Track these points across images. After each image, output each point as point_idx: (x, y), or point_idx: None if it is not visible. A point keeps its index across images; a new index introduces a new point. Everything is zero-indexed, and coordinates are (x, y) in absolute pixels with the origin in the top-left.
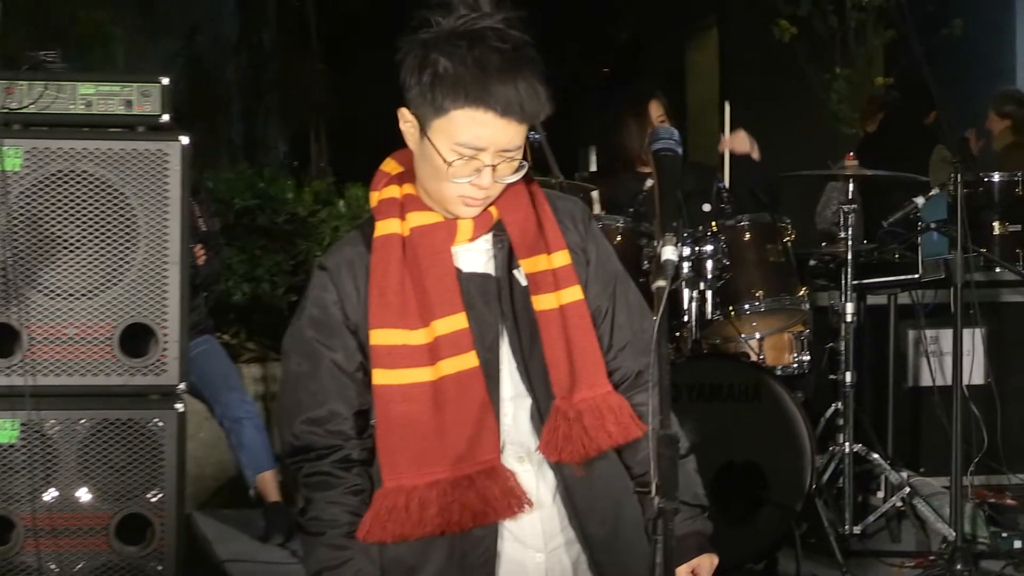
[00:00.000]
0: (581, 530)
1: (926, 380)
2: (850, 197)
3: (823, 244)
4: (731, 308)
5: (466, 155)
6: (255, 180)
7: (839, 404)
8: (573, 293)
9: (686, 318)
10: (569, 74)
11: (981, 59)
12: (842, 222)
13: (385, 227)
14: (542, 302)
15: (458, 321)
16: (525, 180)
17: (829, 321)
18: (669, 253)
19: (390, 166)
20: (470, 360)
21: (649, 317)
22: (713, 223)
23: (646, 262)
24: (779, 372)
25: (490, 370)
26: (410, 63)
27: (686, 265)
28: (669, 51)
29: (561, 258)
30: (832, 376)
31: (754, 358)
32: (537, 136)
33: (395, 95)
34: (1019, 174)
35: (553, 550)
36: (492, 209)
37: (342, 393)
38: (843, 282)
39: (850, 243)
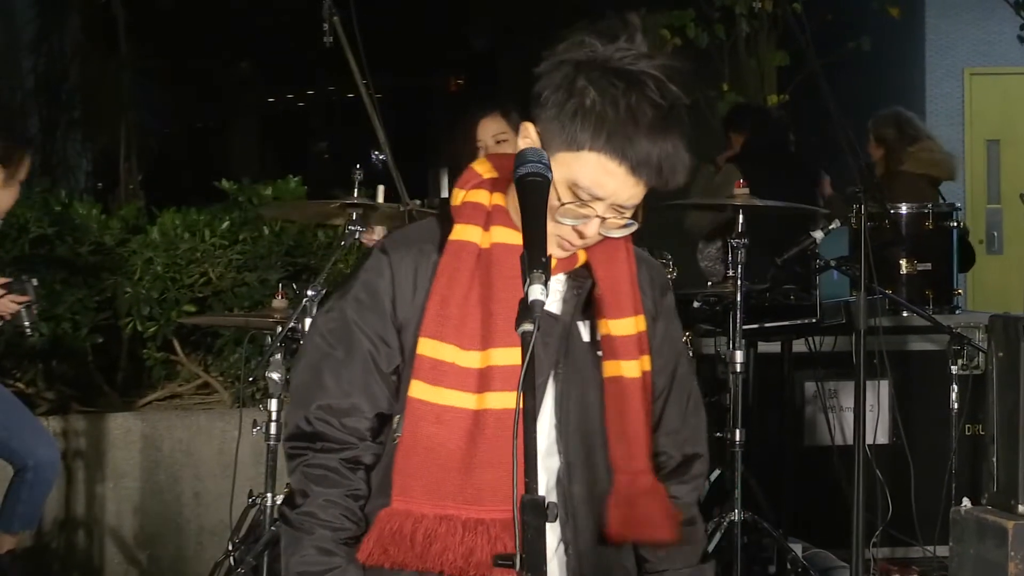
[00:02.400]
0: None
1: (824, 439)
2: (740, 230)
3: (708, 283)
4: None
5: (581, 198)
6: (52, 203)
7: (726, 466)
8: (648, 363)
9: None
10: (418, 86)
11: (890, 76)
12: (731, 258)
13: (464, 232)
14: (625, 368)
15: (518, 355)
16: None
17: (715, 371)
18: (537, 293)
19: (484, 167)
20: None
21: (703, 412)
22: None
23: None
24: None
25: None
26: (555, 80)
27: None
28: (532, 60)
29: (642, 323)
30: (718, 434)
31: None
32: (382, 157)
33: (222, 107)
34: (929, 206)
35: None
36: (580, 251)
37: (370, 390)
38: (731, 327)
39: (739, 282)
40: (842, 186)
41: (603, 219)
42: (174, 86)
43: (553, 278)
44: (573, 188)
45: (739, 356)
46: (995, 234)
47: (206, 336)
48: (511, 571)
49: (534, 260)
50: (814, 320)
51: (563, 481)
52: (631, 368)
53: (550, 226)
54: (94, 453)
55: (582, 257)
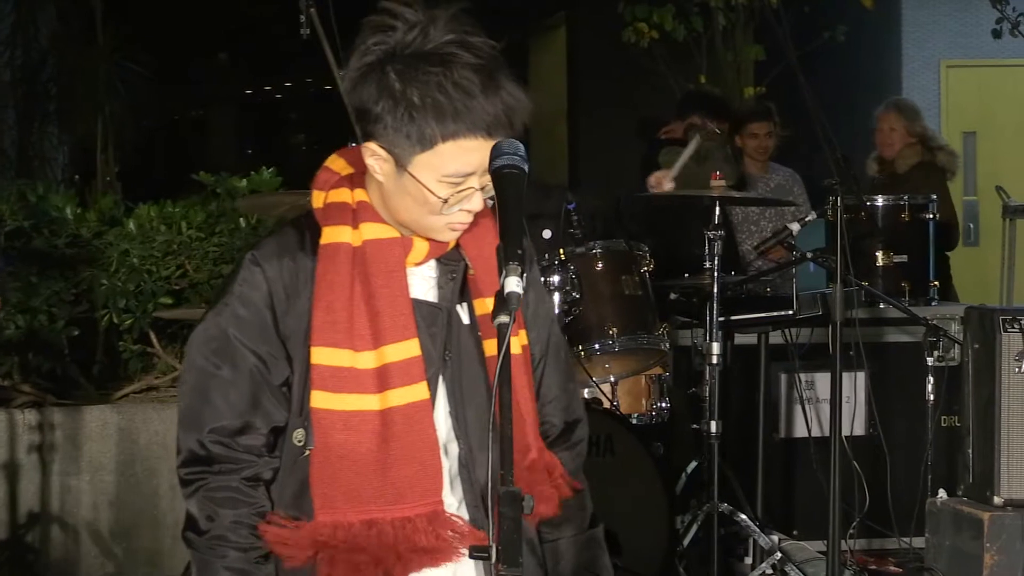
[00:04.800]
0: None
1: (800, 430)
2: (716, 222)
3: (685, 275)
4: (581, 347)
5: (456, 183)
6: (28, 196)
7: (702, 457)
8: (523, 338)
9: None
10: None
11: (866, 68)
12: (707, 250)
13: (334, 234)
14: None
15: (411, 348)
16: (488, 212)
17: (691, 363)
18: (513, 285)
19: (338, 165)
20: (420, 392)
21: (576, 378)
22: (561, 251)
23: None
24: (635, 421)
25: (428, 411)
26: (371, 92)
27: None
28: (509, 53)
29: None
30: (695, 425)
31: (606, 405)
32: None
33: (200, 99)
34: (905, 197)
35: None
36: None
37: (262, 406)
38: (708, 319)
39: (716, 274)
40: (823, 178)
41: (482, 187)
42: (151, 78)
43: (425, 266)
44: (445, 180)
45: (715, 348)
46: (971, 226)
47: (183, 328)
48: (456, 558)
49: (510, 253)
50: (791, 312)
51: (466, 466)
52: (512, 345)
53: (438, 220)
54: (70, 446)
55: (453, 242)
